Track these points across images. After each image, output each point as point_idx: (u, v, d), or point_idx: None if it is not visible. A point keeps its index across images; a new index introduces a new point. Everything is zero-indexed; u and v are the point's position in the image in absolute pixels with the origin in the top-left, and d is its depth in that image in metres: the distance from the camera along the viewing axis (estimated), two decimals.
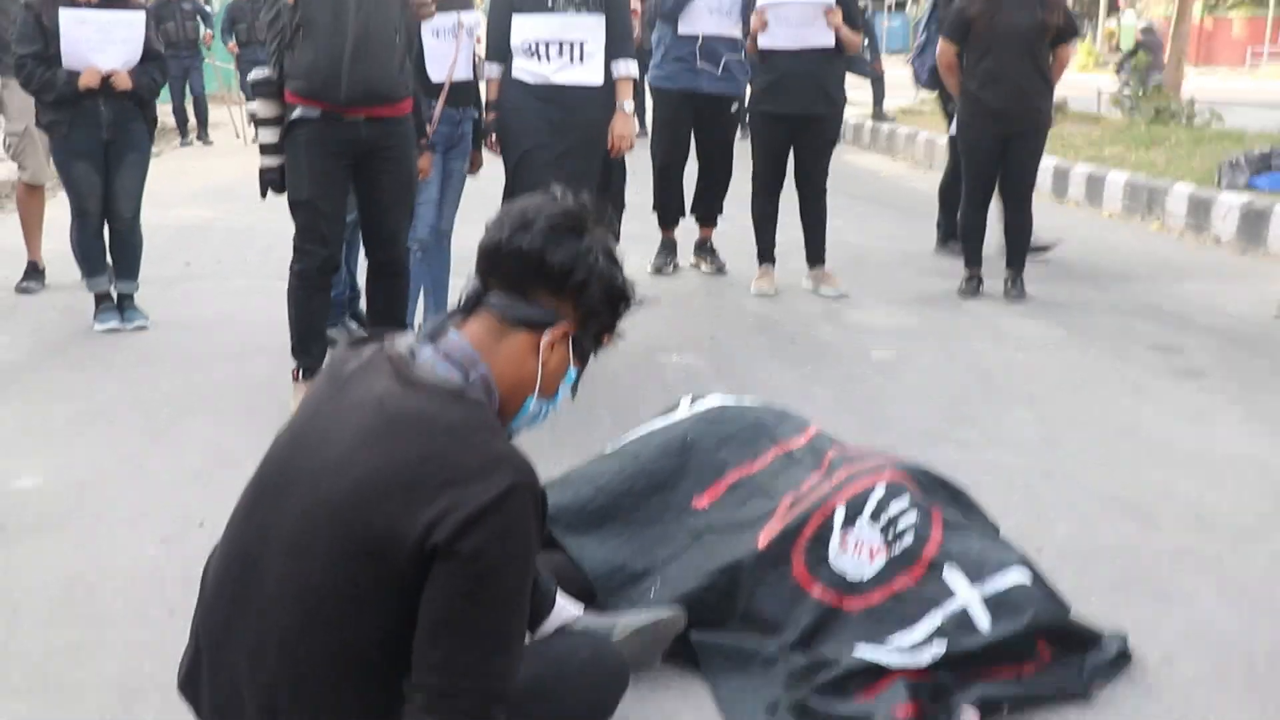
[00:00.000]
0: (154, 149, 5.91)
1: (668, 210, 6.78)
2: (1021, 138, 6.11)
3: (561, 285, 1.98)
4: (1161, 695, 2.51)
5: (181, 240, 7.68)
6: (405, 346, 1.93)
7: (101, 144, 5.37)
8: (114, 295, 5.64)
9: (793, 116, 6.08)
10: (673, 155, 6.62)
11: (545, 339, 1.97)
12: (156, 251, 6.97)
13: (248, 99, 4.78)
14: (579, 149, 4.95)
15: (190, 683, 2.04)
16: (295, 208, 4.21)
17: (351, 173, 4.21)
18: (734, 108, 6.52)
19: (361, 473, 1.79)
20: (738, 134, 6.76)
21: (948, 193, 7.34)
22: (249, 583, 1.88)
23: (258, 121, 4.22)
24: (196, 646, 2.00)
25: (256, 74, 4.17)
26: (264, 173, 4.25)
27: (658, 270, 6.74)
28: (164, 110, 14.22)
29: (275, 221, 6.09)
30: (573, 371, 2.06)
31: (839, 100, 6.25)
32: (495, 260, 1.98)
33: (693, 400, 3.10)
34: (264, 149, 4.23)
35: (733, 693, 2.48)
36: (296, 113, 4.09)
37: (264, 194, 4.35)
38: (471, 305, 1.98)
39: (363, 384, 1.90)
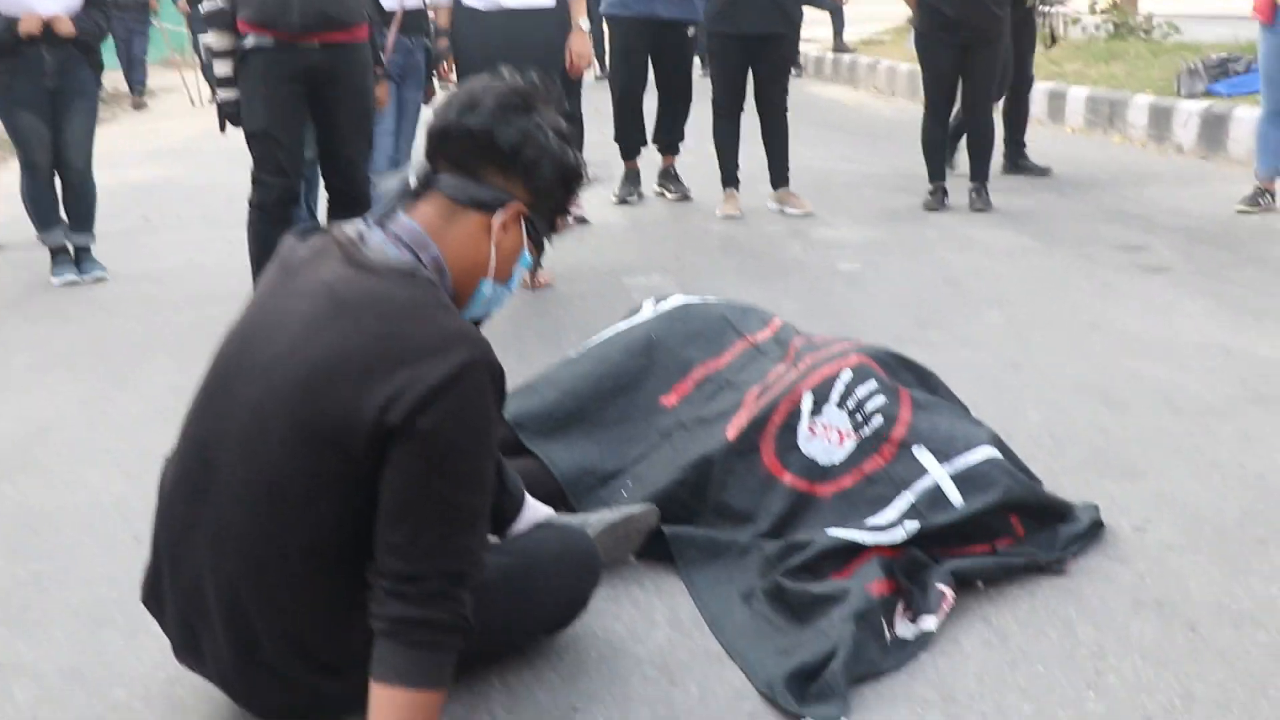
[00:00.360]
0: (108, 114, 5.81)
1: (629, 140, 6.71)
2: (980, 47, 6.07)
3: (512, 164, 1.94)
4: (1134, 562, 2.52)
5: (139, 197, 7.57)
6: (354, 231, 1.89)
7: (46, 93, 5.24)
8: (70, 249, 5.55)
9: (750, 36, 6.03)
10: (631, 84, 6.55)
11: (497, 220, 1.93)
12: (114, 208, 6.87)
13: (202, 62, 4.68)
14: (535, 73, 4.88)
15: (153, 594, 2.01)
16: (251, 139, 4.14)
17: (308, 102, 4.14)
18: (690, 32, 6.44)
19: (313, 358, 1.76)
20: (698, 68, 6.71)
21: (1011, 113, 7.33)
22: (205, 480, 1.85)
23: (212, 54, 4.13)
24: (157, 554, 1.97)
25: (208, 5, 4.08)
26: (221, 106, 4.17)
27: (622, 200, 6.69)
28: (115, 76, 14.09)
29: (235, 174, 6.02)
30: (527, 255, 2.02)
31: (796, 19, 6.20)
32: (443, 141, 1.94)
33: (656, 302, 3.07)
34: (220, 82, 4.15)
35: (707, 584, 2.46)
36: (249, 42, 4.01)
37: (223, 128, 4.29)
38: (421, 188, 1.94)
39: (312, 271, 1.86)
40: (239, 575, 1.83)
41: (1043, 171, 7.22)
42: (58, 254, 5.52)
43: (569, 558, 2.21)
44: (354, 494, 1.77)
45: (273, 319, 1.85)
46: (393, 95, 4.94)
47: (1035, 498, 2.56)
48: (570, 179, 2.02)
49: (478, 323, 2.01)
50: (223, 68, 4.11)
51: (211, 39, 4.07)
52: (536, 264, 2.09)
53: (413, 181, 1.94)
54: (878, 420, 2.59)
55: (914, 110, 6.68)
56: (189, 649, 1.98)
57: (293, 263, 1.90)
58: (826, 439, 2.60)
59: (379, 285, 1.79)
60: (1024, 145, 7.37)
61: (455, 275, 1.92)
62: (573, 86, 5.35)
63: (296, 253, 1.91)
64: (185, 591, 1.91)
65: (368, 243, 1.87)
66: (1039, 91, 9.82)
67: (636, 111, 6.63)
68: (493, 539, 2.23)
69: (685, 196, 6.74)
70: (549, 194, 1.99)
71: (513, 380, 2.10)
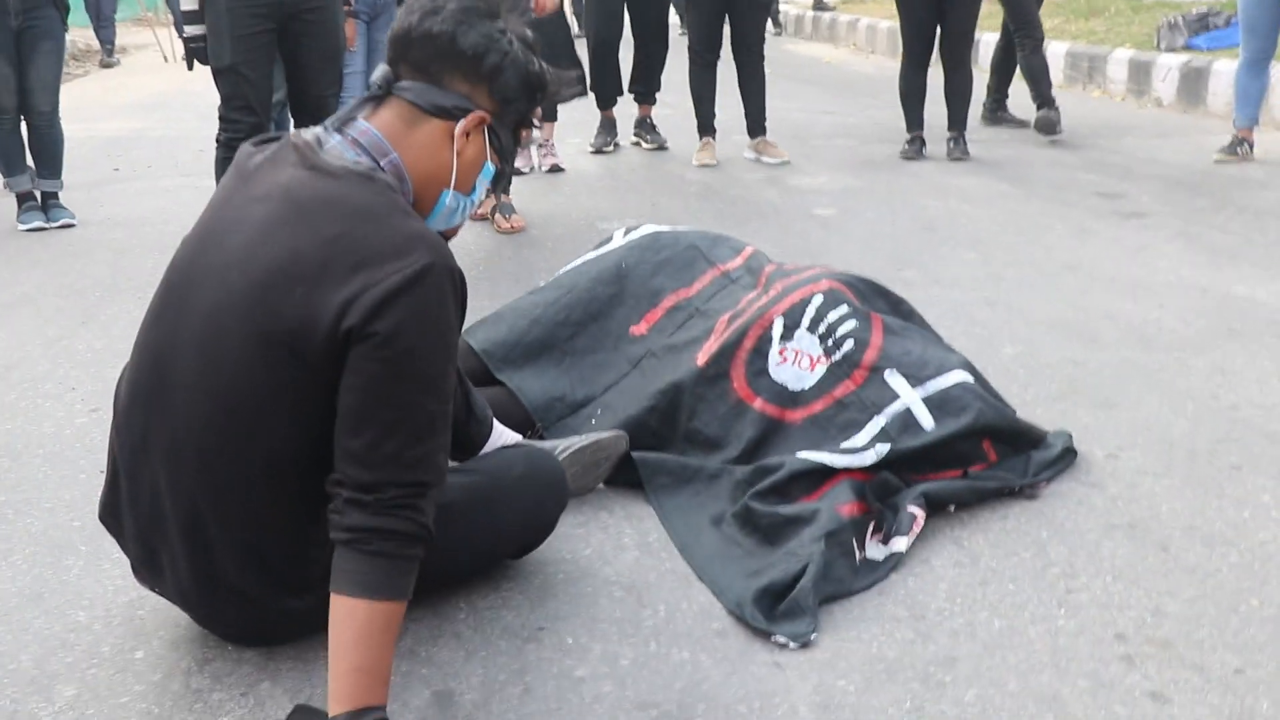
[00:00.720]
0: (79, 69, 5.70)
1: (605, 89, 6.63)
2: None
3: (475, 70, 1.89)
4: (1107, 487, 2.51)
5: (109, 148, 7.47)
6: (311, 136, 1.85)
7: (11, 34, 5.14)
8: (37, 195, 5.46)
9: None
10: (606, 32, 6.46)
11: (459, 127, 1.89)
12: (84, 159, 6.79)
13: (177, 22, 4.58)
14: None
15: (110, 510, 1.97)
16: (219, 75, 4.06)
17: (276, 38, 4.07)
18: None
19: (269, 260, 1.71)
20: (676, 24, 6.64)
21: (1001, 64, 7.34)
22: (160, 390, 1.81)
23: None
24: (114, 469, 1.93)
25: None
26: (187, 43, 4.10)
27: (598, 150, 6.63)
28: (87, 34, 13.89)
29: (206, 127, 5.93)
30: (490, 166, 1.98)
31: None
32: (405, 46, 1.89)
33: (626, 231, 3.03)
34: (186, 17, 4.08)
35: (677, 508, 2.44)
36: None
37: (190, 66, 4.21)
38: (382, 93, 1.89)
39: (267, 176, 1.81)
40: (196, 488, 1.79)
41: (1020, 124, 7.19)
42: (24, 200, 5.43)
43: (535, 478, 2.18)
44: (312, 402, 1.73)
45: (228, 224, 1.80)
46: (363, 35, 4.86)
47: (1008, 423, 2.54)
48: (535, 88, 1.97)
49: (443, 237, 1.97)
50: (189, 2, 4.03)
51: None
52: (501, 179, 2.04)
53: (374, 87, 1.89)
54: (849, 345, 2.56)
55: (893, 66, 6.61)
56: (148, 566, 1.94)
57: (248, 168, 1.85)
58: (797, 364, 2.57)
59: (336, 187, 1.75)
60: (1006, 98, 7.37)
61: (416, 183, 1.88)
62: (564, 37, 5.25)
63: (252, 159, 1.86)
64: (143, 506, 1.87)
65: (325, 147, 1.82)
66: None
67: (612, 60, 6.55)
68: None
69: (661, 146, 6.68)
70: (513, 102, 1.94)
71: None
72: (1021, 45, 6.68)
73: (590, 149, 6.61)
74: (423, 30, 1.87)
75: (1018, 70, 6.98)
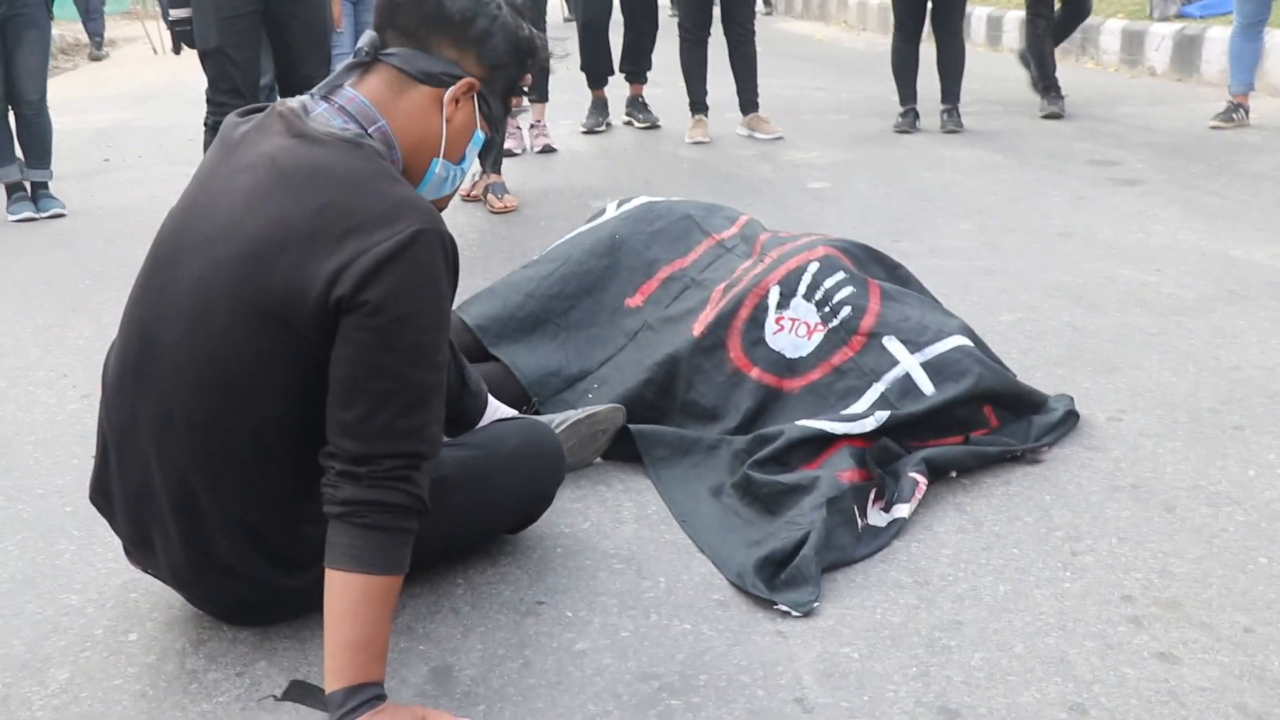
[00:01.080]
0: (68, 62, 5.65)
1: (596, 68, 6.59)
2: None
3: (464, 35, 1.85)
4: (1110, 449, 2.48)
5: (99, 139, 7.43)
6: (298, 104, 1.81)
7: None
8: (27, 186, 5.42)
9: None
10: (596, 12, 6.41)
11: (448, 94, 1.85)
12: (74, 150, 6.75)
13: (164, 12, 4.54)
14: None
15: (100, 490, 1.94)
16: (205, 57, 4.02)
17: (262, 20, 4.02)
18: None
19: (255, 229, 1.68)
20: (666, 4, 6.60)
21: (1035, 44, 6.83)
22: (149, 364, 1.77)
23: None
24: (104, 446, 1.90)
25: None
26: (172, 26, 4.06)
27: (590, 130, 6.59)
28: (76, 27, 13.82)
29: (196, 115, 5.89)
30: (480, 134, 1.94)
31: None
32: (392, 11, 1.85)
33: (619, 204, 2.99)
34: (172, 1, 4.04)
35: (675, 480, 2.41)
36: None
37: (177, 49, 4.18)
38: (369, 60, 1.86)
39: (253, 145, 1.78)
40: (187, 462, 1.76)
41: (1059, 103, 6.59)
42: (14, 190, 5.40)
43: (532, 451, 2.15)
44: (303, 373, 1.70)
45: (214, 194, 1.77)
46: (350, 16, 4.82)
47: (1009, 387, 2.51)
48: (525, 54, 1.93)
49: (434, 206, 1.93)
50: None
51: None
52: (491, 147, 2.01)
53: (361, 53, 1.86)
54: (846, 311, 2.53)
55: (885, 43, 6.57)
56: (140, 546, 1.91)
57: (234, 138, 1.81)
58: (794, 332, 2.54)
59: (323, 154, 1.71)
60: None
61: (405, 151, 1.84)
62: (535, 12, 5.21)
63: (238, 129, 1.83)
64: (132, 483, 1.84)
65: (311, 115, 1.78)
66: (1011, 20, 9.74)
67: (602, 40, 6.51)
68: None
69: (654, 125, 6.65)
70: (503, 69, 1.91)
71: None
72: (1033, 23, 6.59)
73: (582, 129, 6.57)
74: None
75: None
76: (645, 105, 6.71)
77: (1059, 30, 6.69)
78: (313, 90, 1.85)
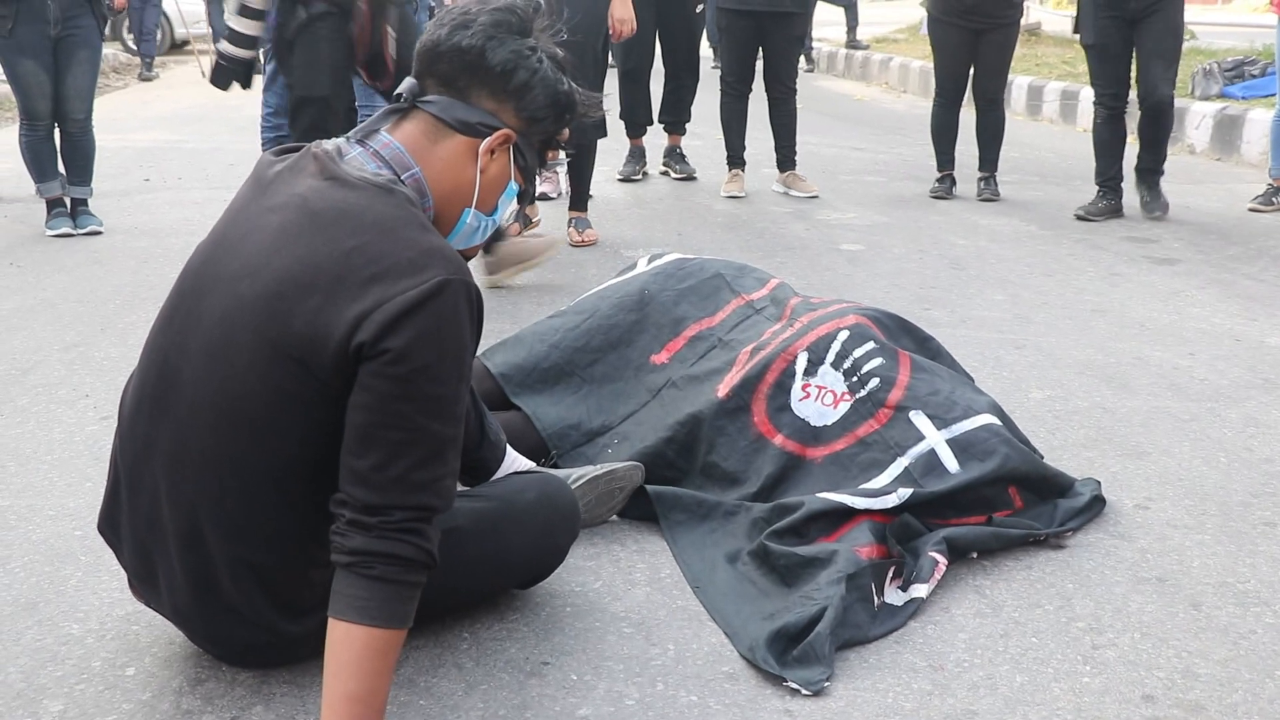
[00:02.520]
0: (118, 80, 5.71)
1: (635, 117, 6.59)
2: (991, 31, 5.95)
3: (503, 87, 1.85)
4: (1136, 539, 2.42)
5: (143, 159, 7.49)
6: (332, 146, 1.80)
7: (49, 41, 5.15)
8: (66, 202, 5.47)
9: (760, 13, 5.93)
10: (637, 61, 6.42)
11: (484, 145, 1.84)
12: (116, 169, 6.82)
13: (215, 35, 4.60)
14: (577, 35, 4.73)
15: (109, 520, 1.92)
16: (306, 104, 4.04)
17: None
18: (698, 8, 6.33)
19: (282, 270, 1.66)
20: (709, 56, 6.60)
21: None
22: (168, 396, 1.76)
23: (246, 11, 4.01)
24: (115, 476, 1.88)
25: None
26: (233, 62, 4.07)
27: (626, 178, 6.59)
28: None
29: (241, 141, 5.94)
30: (514, 186, 1.93)
31: None
32: (433, 59, 1.85)
33: (650, 259, 2.97)
34: (236, 38, 4.04)
35: (691, 544, 2.37)
36: (319, 7, 3.93)
37: (222, 84, 4.17)
38: (407, 106, 1.85)
39: (285, 185, 1.77)
40: (197, 497, 1.74)
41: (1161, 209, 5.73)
42: (54, 205, 5.45)
43: (547, 506, 2.11)
44: (320, 416, 1.67)
45: (243, 231, 1.76)
46: None
47: (1035, 469, 2.47)
48: (563, 108, 1.92)
49: (462, 256, 1.91)
50: (249, 27, 4.01)
51: None
52: (525, 199, 2.00)
53: (400, 99, 1.85)
54: (874, 382, 2.49)
55: (925, 106, 6.55)
56: (144, 579, 1.89)
57: (266, 177, 1.81)
58: (820, 400, 2.51)
59: (354, 198, 1.70)
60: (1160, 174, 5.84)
61: (437, 200, 1.83)
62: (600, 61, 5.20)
63: (272, 168, 1.82)
64: (142, 516, 1.82)
65: (346, 158, 1.77)
66: (1051, 91, 9.74)
67: (642, 90, 6.51)
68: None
69: (690, 176, 6.65)
70: (540, 122, 1.90)
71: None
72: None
73: (618, 177, 6.57)
74: (451, 44, 1.83)
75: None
76: (683, 156, 6.72)
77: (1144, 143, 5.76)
78: (349, 134, 1.84)
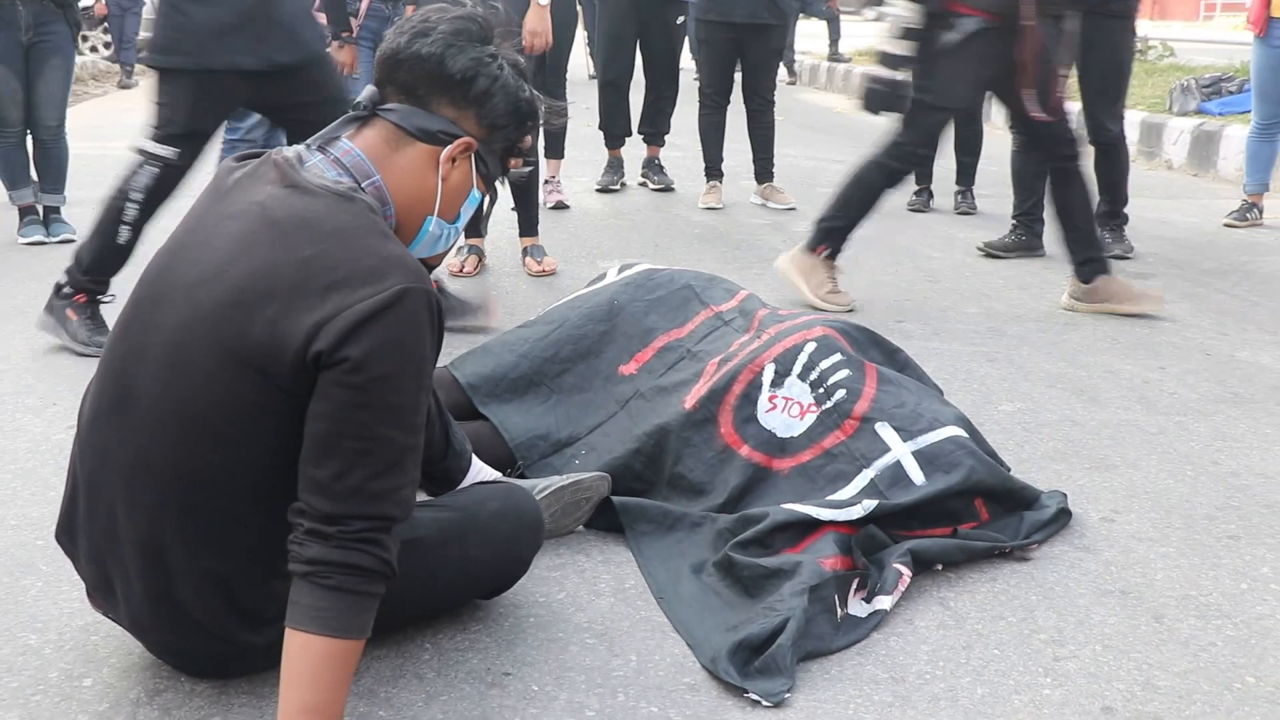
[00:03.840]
0: (97, 88, 5.68)
1: (614, 128, 6.59)
2: None
3: (463, 95, 1.84)
4: (1100, 551, 2.43)
5: (119, 166, 7.39)
6: (293, 154, 1.79)
7: (21, 48, 5.12)
8: (39, 210, 5.44)
9: (740, 25, 5.94)
10: (617, 72, 6.42)
11: (445, 153, 1.83)
12: (92, 176, 6.72)
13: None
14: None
15: (67, 529, 1.91)
16: (933, 112, 4.06)
17: None
18: (679, 20, 6.34)
19: (240, 277, 1.66)
20: (692, 69, 6.61)
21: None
22: (125, 405, 1.74)
23: (907, 33, 3.95)
24: (74, 485, 1.87)
25: None
26: (884, 84, 4.02)
27: (604, 188, 6.59)
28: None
29: (218, 151, 5.90)
30: (476, 194, 1.93)
31: (786, 9, 6.13)
32: (393, 67, 1.85)
33: (620, 269, 2.97)
34: (889, 60, 4.01)
35: (657, 555, 2.37)
36: (974, 24, 3.91)
37: (877, 110, 4.13)
38: (367, 114, 1.84)
39: (244, 192, 1.76)
40: (156, 508, 1.73)
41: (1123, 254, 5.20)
42: (26, 213, 5.41)
43: (510, 516, 2.10)
44: (278, 425, 1.67)
45: (201, 239, 1.75)
46: (366, 62, 4.82)
47: (1001, 482, 2.47)
48: (525, 116, 1.91)
49: (425, 265, 1.91)
50: (901, 48, 3.98)
51: (907, 13, 3.92)
52: (486, 204, 1.99)
53: (359, 107, 1.85)
54: (840, 394, 2.50)
55: None
56: (101, 589, 1.87)
57: (226, 184, 1.80)
58: (787, 412, 2.51)
59: (314, 206, 1.69)
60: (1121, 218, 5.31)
61: (399, 208, 1.82)
62: (556, 71, 5.15)
63: (231, 175, 1.81)
64: (100, 526, 1.80)
65: (306, 165, 1.77)
66: None
67: (622, 100, 6.52)
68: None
69: (668, 187, 6.65)
70: (501, 129, 1.89)
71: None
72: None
73: (596, 188, 6.57)
74: (411, 52, 1.83)
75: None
76: (661, 167, 6.72)
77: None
78: (309, 141, 1.83)
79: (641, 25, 6.22)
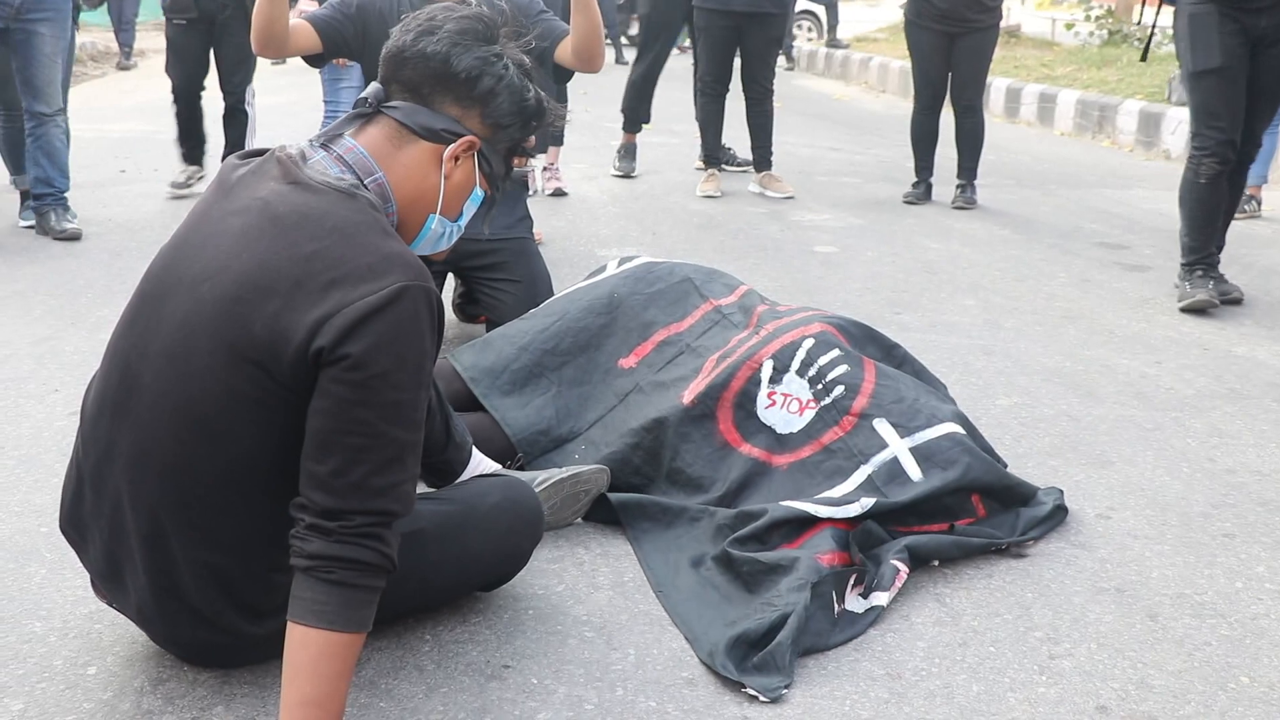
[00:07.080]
0: (96, 70, 5.66)
1: (635, 114, 6.64)
2: (967, 38, 5.93)
3: (468, 94, 1.85)
4: (1096, 548, 2.45)
5: (118, 149, 7.44)
6: (296, 150, 1.80)
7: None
8: None
9: (739, 14, 5.94)
10: (653, 60, 6.47)
11: (448, 151, 1.84)
12: (91, 159, 6.76)
13: None
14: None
15: (71, 520, 1.92)
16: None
17: None
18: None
19: (242, 273, 1.67)
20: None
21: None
22: (129, 400, 1.75)
23: None
24: (79, 478, 1.88)
25: None
26: None
27: (625, 174, 6.63)
28: (106, 36, 13.89)
29: (217, 133, 5.92)
30: (479, 192, 1.93)
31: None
32: (398, 64, 1.85)
33: (620, 262, 2.98)
34: None
35: (655, 549, 2.38)
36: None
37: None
38: (371, 111, 1.85)
39: (248, 188, 1.77)
40: (159, 500, 1.74)
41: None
42: (27, 197, 5.40)
43: (510, 509, 2.12)
44: (280, 420, 1.68)
45: (204, 234, 1.76)
46: None
47: (998, 479, 2.48)
48: (529, 115, 1.92)
49: (427, 262, 1.91)
50: None
51: None
52: (489, 204, 2.00)
53: (364, 104, 1.85)
54: (838, 390, 2.51)
55: (904, 106, 6.56)
56: (110, 579, 1.88)
57: (230, 180, 1.81)
58: (785, 408, 2.52)
59: (316, 202, 1.70)
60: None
61: (401, 205, 1.83)
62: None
63: (235, 171, 1.82)
64: (107, 518, 1.81)
65: (309, 162, 1.78)
66: (1029, 93, 9.78)
67: (651, 88, 6.56)
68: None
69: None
70: (505, 129, 1.90)
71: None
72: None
73: (617, 173, 6.64)
74: (417, 50, 1.83)
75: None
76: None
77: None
78: (313, 138, 1.84)
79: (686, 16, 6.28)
